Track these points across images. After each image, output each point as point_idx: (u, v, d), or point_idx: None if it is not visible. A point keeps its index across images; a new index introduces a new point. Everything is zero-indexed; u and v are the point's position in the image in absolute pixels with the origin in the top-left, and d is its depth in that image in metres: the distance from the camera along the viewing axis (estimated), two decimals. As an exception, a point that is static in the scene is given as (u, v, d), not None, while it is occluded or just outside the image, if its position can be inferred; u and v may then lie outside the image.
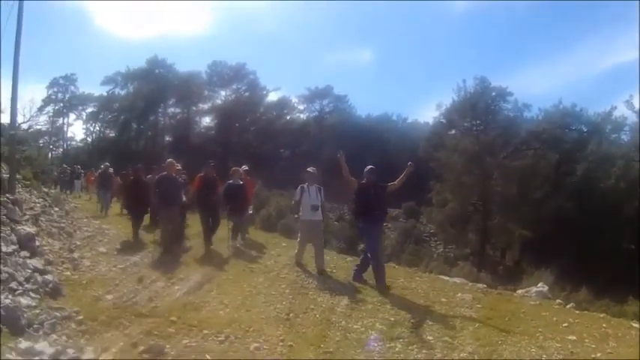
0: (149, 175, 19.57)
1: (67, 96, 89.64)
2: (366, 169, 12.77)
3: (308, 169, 14.06)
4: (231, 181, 16.96)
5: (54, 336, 7.35)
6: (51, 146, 77.25)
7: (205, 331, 8.23)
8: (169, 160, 16.34)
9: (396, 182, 12.94)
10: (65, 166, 43.57)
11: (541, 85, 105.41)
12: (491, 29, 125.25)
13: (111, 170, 27.86)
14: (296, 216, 14.38)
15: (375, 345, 8.26)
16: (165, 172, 15.60)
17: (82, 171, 42.42)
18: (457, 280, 14.83)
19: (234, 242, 16.74)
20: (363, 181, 12.62)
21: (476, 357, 7.80)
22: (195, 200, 16.42)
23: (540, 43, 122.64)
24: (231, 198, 16.45)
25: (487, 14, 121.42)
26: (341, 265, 14.83)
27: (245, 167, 19.03)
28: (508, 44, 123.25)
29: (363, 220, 12.50)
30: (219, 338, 8.04)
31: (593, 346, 8.42)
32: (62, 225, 16.87)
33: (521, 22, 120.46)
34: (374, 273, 12.13)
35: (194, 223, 17.79)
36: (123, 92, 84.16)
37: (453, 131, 53.26)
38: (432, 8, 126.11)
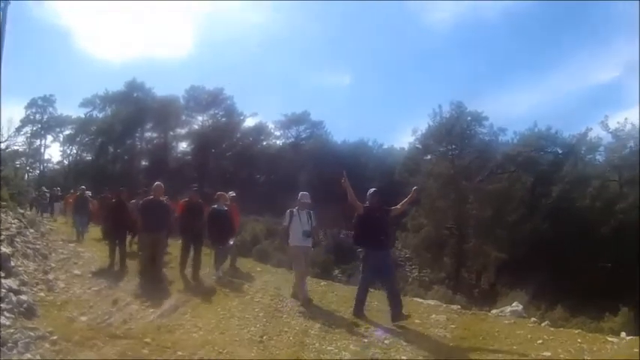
0: (133, 200, 18.97)
1: (45, 117, 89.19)
2: (369, 192, 12.01)
3: (302, 193, 13.38)
4: (215, 206, 16.21)
5: (28, 355, 7.36)
6: (28, 167, 76.63)
7: (179, 353, 8.25)
8: (157, 183, 15.29)
9: (398, 206, 12.42)
10: (44, 188, 41.66)
11: (517, 108, 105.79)
12: (468, 54, 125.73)
13: (88, 194, 26.91)
14: (289, 242, 13.01)
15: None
16: (152, 196, 14.97)
17: (61, 194, 41.30)
18: (431, 302, 15.03)
19: (217, 272, 15.71)
20: (367, 205, 11.77)
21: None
22: (178, 226, 15.82)
23: (516, 67, 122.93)
24: (215, 224, 15.66)
25: (464, 39, 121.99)
26: (315, 289, 14.76)
27: (232, 193, 18.26)
28: (484, 69, 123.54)
29: (366, 247, 11.63)
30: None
31: (568, 360, 8.43)
32: (37, 247, 16.80)
33: (497, 47, 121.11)
34: (356, 297, 11.63)
35: (174, 250, 17.80)
36: (101, 115, 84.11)
37: (429, 156, 53.81)
38: (408, 34, 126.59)
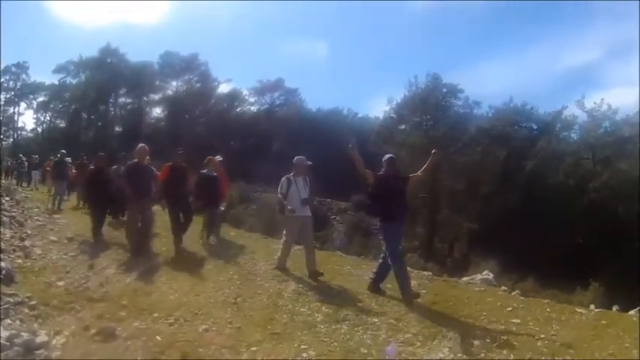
0: (114, 166, 17.98)
1: (19, 84, 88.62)
2: (384, 159, 10.76)
3: (298, 157, 12.30)
4: (205, 171, 15.44)
5: (8, 320, 7.43)
6: (1, 136, 76.16)
7: (155, 315, 8.41)
8: (141, 145, 14.05)
9: (419, 173, 11.11)
10: (22, 156, 41.00)
11: (493, 84, 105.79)
12: (447, 26, 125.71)
13: (68, 160, 24.93)
14: (288, 210, 11.65)
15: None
16: (135, 160, 13.64)
17: (39, 161, 37.83)
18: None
19: (208, 239, 15.32)
20: (381, 173, 10.54)
21: (420, 338, 8.03)
22: (162, 193, 14.40)
23: (494, 42, 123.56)
24: (204, 190, 15.03)
25: (443, 11, 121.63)
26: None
27: (219, 158, 16.78)
28: (462, 42, 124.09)
29: (384, 219, 10.54)
30: (169, 321, 8.23)
31: (537, 328, 8.66)
32: (13, 214, 16.81)
33: (477, 21, 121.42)
34: (397, 280, 10.18)
35: (160, 219, 16.16)
36: (75, 81, 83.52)
37: (403, 126, 54.27)
38: (387, 4, 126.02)
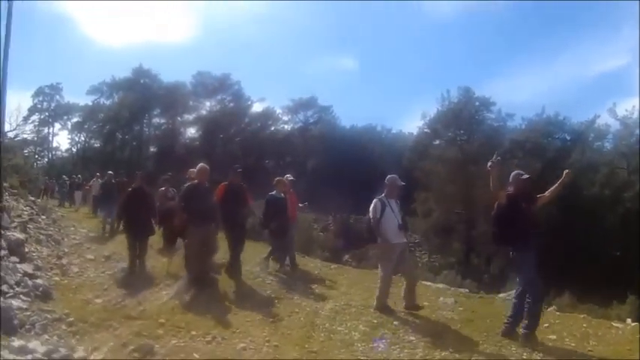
0: (162, 188, 16.79)
1: (53, 105, 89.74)
2: (515, 175, 9.62)
3: (390, 176, 10.92)
4: (273, 193, 14.28)
5: (46, 336, 7.53)
6: (36, 156, 76.80)
7: (193, 332, 8.39)
8: (202, 165, 12.26)
9: (546, 194, 9.81)
10: (64, 176, 40.79)
11: (524, 93, 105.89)
12: (476, 38, 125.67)
13: (115, 181, 22.42)
14: (384, 239, 10.15)
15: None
16: (196, 181, 11.98)
17: (82, 181, 37.73)
18: (440, 285, 15.00)
19: (282, 267, 14.28)
20: (511, 193, 9.29)
21: (457, 356, 7.94)
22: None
23: (524, 51, 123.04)
24: (274, 215, 13.87)
25: (472, 23, 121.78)
26: (326, 272, 15.08)
27: (290, 177, 15.62)
28: (492, 53, 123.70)
29: (520, 246, 9.12)
30: (207, 339, 8.19)
31: (573, 344, 8.63)
32: (50, 232, 16.93)
33: (506, 31, 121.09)
34: (528, 315, 8.89)
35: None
36: (108, 102, 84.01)
37: (437, 141, 53.86)
38: (416, 17, 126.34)
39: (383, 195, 10.54)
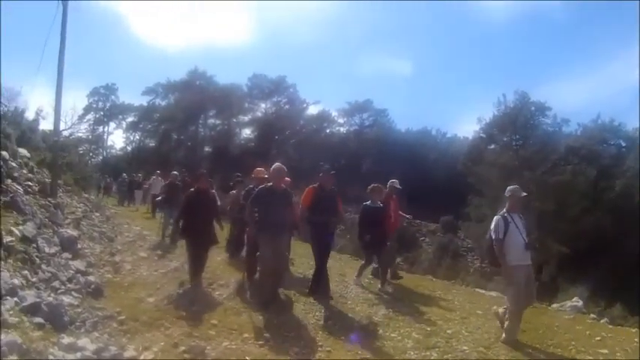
0: (232, 191, 15.44)
1: (108, 105, 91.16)
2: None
3: (510, 187, 9.89)
4: (368, 203, 12.87)
5: (96, 334, 7.61)
6: (91, 154, 77.63)
7: (245, 335, 8.41)
8: (278, 165, 10.63)
9: None
10: (124, 175, 40.34)
11: (580, 98, 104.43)
12: (531, 41, 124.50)
13: (179, 181, 20.10)
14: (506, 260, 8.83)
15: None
16: (270, 184, 10.44)
17: (142, 180, 37.38)
18: (493, 293, 14.75)
19: (382, 286, 12.75)
20: None
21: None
22: (304, 221, 11.57)
23: (579, 55, 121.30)
24: (369, 227, 12.42)
25: (527, 25, 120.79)
26: (427, 286, 14.33)
27: (395, 182, 14.31)
28: (547, 56, 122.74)
29: None
30: (259, 342, 8.20)
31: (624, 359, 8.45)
32: (103, 230, 17.27)
33: (561, 34, 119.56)
34: None
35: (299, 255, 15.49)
36: (163, 103, 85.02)
37: (493, 146, 53.41)
38: (470, 19, 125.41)
39: (504, 210, 9.31)
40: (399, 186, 14.34)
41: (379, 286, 12.80)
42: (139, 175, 39.46)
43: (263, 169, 12.52)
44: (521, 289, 8.84)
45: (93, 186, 30.94)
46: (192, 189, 12.51)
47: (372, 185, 13.25)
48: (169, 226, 17.86)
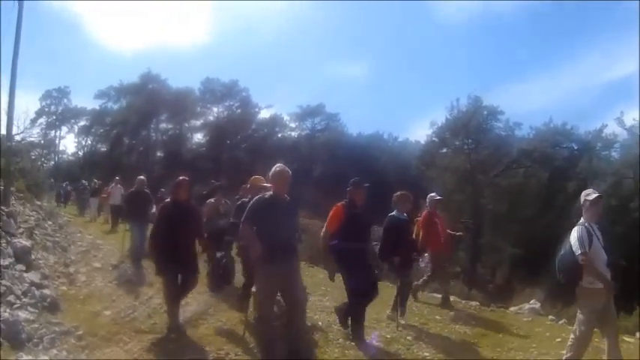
0: (210, 200, 12.93)
1: (60, 109, 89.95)
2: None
3: (587, 190, 8.19)
4: (393, 214, 10.46)
5: (54, 351, 7.43)
6: (42, 159, 76.92)
7: (206, 349, 8.21)
8: (281, 166, 7.84)
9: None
10: (84, 181, 36.87)
11: (532, 103, 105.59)
12: (483, 46, 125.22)
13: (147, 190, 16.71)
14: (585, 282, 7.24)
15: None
16: (269, 193, 7.72)
17: (97, 187, 31.82)
18: (449, 297, 14.61)
19: (400, 310, 10.62)
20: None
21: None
22: (332, 247, 8.99)
23: (531, 59, 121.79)
24: (397, 244, 10.03)
25: (479, 30, 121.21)
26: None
27: (435, 196, 12.86)
28: (500, 61, 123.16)
29: None
30: (220, 355, 8.02)
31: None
32: (56, 239, 16.85)
33: (512, 41, 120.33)
34: None
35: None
36: (116, 106, 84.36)
37: (445, 150, 53.94)
38: (423, 23, 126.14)
39: (583, 220, 7.75)
40: (439, 197, 12.89)
41: (400, 320, 10.34)
42: (97, 181, 34.48)
43: (261, 177, 9.91)
44: (597, 312, 7.40)
45: (46, 193, 29.20)
46: (167, 199, 9.99)
47: (400, 193, 10.82)
48: (137, 244, 15.04)
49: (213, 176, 52.79)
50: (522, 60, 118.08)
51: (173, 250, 8.93)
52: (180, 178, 9.81)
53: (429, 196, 12.68)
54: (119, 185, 24.44)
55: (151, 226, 13.16)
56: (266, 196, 7.70)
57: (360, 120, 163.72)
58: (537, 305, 14.10)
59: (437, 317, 11.05)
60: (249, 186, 10.15)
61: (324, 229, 9.18)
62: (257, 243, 7.21)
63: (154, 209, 15.20)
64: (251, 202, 7.95)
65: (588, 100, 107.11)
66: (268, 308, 7.48)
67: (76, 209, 34.48)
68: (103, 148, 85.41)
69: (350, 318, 9.21)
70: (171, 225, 9.11)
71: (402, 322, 10.35)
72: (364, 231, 9.15)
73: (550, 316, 13.03)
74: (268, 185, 8.34)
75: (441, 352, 8.71)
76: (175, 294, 9.14)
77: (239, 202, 10.29)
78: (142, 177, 16.94)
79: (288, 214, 7.70)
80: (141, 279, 12.18)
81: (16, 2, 16.19)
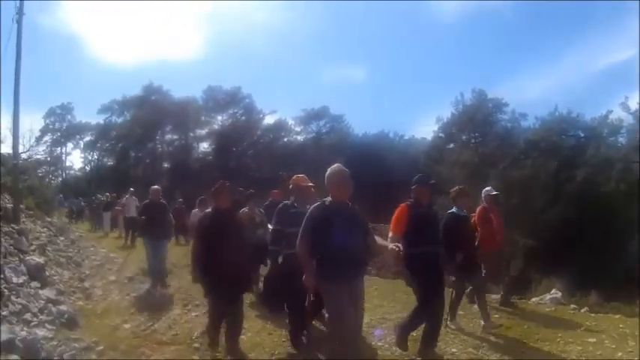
0: (244, 208, 11.78)
1: (65, 125, 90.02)
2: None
3: None
4: (453, 210, 9.84)
5: (75, 368, 7.30)
6: (50, 175, 77.11)
7: (229, 357, 8.00)
8: (337, 166, 6.86)
9: None
10: (99, 195, 35.79)
11: (536, 92, 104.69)
12: (483, 39, 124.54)
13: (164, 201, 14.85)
14: None
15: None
16: (328, 198, 6.58)
17: (110, 200, 30.09)
18: (467, 291, 14.59)
19: (487, 324, 9.60)
20: None
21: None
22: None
23: (532, 49, 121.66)
24: (458, 244, 9.11)
25: (476, 24, 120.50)
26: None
27: (489, 190, 11.66)
28: (501, 53, 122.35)
29: None
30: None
31: (614, 346, 8.45)
32: (70, 254, 16.88)
33: (511, 30, 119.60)
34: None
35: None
36: (120, 120, 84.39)
37: (452, 145, 54.39)
38: (420, 21, 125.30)
39: None
40: (495, 192, 11.89)
41: (482, 323, 9.66)
42: (109, 194, 32.63)
43: (304, 175, 9.15)
44: None
45: (56, 209, 29.21)
46: (208, 210, 8.76)
47: (458, 187, 10.33)
48: (155, 264, 13.40)
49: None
50: (522, 50, 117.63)
51: (221, 267, 7.74)
52: (221, 182, 8.58)
53: (484, 190, 11.58)
54: (134, 197, 23.55)
55: (169, 242, 14.18)
56: (326, 203, 6.55)
57: (364, 121, 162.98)
58: (559, 295, 13.94)
59: (460, 312, 10.51)
60: (290, 186, 8.86)
61: (390, 234, 7.92)
62: (312, 270, 6.22)
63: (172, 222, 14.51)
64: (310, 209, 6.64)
65: (590, 86, 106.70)
66: (352, 328, 6.21)
67: (89, 225, 32.98)
68: (110, 162, 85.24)
69: (425, 334, 7.91)
70: (216, 237, 7.90)
71: (494, 330, 9.49)
72: (434, 233, 8.14)
73: (572, 305, 12.85)
74: (312, 185, 8.40)
75: (468, 347, 8.63)
76: (222, 314, 8.12)
77: (280, 205, 8.80)
78: (156, 187, 15.04)
79: (356, 224, 6.52)
80: (165, 300, 11.61)
81: (15, 23, 16.27)
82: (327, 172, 6.74)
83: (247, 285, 8.46)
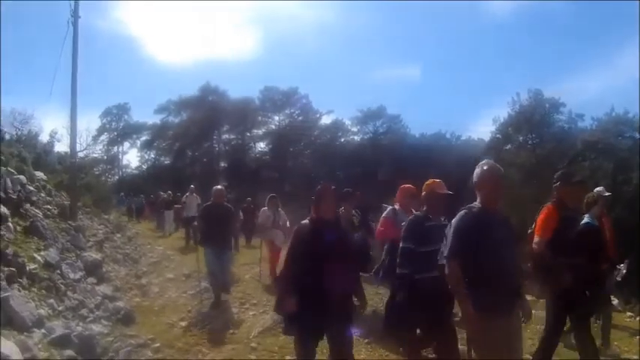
0: (341, 208, 9.52)
1: (121, 125, 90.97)
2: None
3: None
4: (588, 221, 7.89)
5: (131, 365, 7.35)
6: (107, 174, 78.23)
7: (287, 357, 8.04)
8: (488, 164, 5.75)
9: None
10: (162, 193, 33.15)
11: (591, 92, 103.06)
12: (538, 38, 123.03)
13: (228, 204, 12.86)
14: None
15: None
16: (477, 203, 5.45)
17: (171, 198, 29.11)
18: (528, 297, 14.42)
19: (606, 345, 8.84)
20: None
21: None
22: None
23: (586, 48, 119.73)
24: (590, 257, 7.19)
25: (532, 23, 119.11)
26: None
27: (601, 190, 9.10)
28: (556, 53, 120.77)
29: None
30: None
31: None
32: (127, 251, 17.13)
33: (566, 30, 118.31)
34: None
35: None
36: (176, 120, 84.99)
37: (509, 146, 53.96)
38: (477, 20, 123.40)
39: None
40: (607, 193, 9.40)
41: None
42: (170, 192, 30.83)
43: (440, 181, 7.33)
44: None
45: (114, 207, 29.17)
46: (305, 221, 6.42)
47: (593, 194, 8.60)
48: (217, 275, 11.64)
49: (279, 184, 53.77)
50: (578, 50, 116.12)
51: (320, 294, 5.83)
52: (323, 184, 6.66)
53: (595, 190, 8.92)
54: (195, 194, 22.65)
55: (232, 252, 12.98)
56: (474, 210, 5.31)
57: (420, 121, 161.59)
58: (615, 302, 13.22)
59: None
60: (423, 193, 7.16)
61: (537, 239, 7.04)
62: (469, 300, 4.94)
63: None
64: (456, 223, 5.34)
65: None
66: None
67: (152, 224, 32.63)
68: (167, 161, 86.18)
69: None
70: (317, 256, 5.95)
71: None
72: (582, 243, 7.01)
73: (628, 313, 12.89)
74: (448, 192, 6.97)
75: (524, 353, 8.36)
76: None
77: (411, 217, 7.18)
78: (220, 187, 13.03)
79: (510, 239, 5.40)
80: (226, 322, 10.44)
81: (71, 24, 16.59)
82: (479, 170, 5.57)
83: (349, 313, 6.34)
